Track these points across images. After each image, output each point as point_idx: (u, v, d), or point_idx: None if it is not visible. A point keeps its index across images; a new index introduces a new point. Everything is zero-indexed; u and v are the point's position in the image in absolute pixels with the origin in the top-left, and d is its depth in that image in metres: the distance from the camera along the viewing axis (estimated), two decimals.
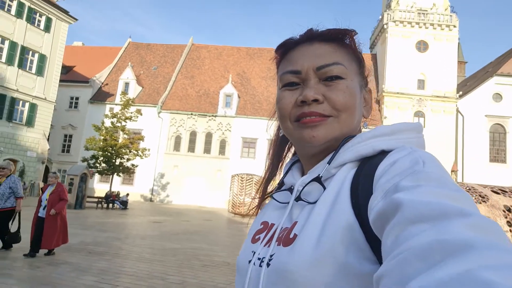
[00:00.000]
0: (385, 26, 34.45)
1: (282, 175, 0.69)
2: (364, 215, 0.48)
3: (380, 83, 34.60)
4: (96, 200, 21.99)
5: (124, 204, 22.36)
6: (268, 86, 34.47)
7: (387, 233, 0.39)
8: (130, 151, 26.72)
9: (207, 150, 33.53)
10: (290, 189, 0.62)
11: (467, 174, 30.98)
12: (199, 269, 6.47)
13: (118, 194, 23.71)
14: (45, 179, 31.47)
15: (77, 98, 35.63)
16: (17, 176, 25.39)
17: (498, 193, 3.68)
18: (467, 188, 3.81)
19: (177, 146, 33.89)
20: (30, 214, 13.99)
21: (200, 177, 32.86)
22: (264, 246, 0.58)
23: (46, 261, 6.28)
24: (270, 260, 0.55)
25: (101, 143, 25.51)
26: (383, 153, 0.54)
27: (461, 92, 32.85)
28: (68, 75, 35.83)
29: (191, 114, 33.60)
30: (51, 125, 29.38)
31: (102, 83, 36.55)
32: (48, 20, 27.82)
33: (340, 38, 0.62)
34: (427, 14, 33.93)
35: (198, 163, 33.03)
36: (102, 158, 25.70)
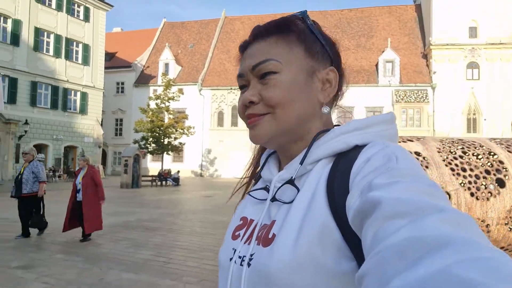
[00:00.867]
0: None
1: (259, 168, 0.69)
2: (341, 214, 0.48)
3: (426, 36, 32.21)
4: (150, 178, 23.27)
5: (176, 180, 23.45)
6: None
7: (365, 231, 0.39)
8: (176, 130, 27.65)
9: None
10: (266, 188, 0.62)
11: None
12: None
13: (169, 171, 24.86)
14: (103, 162, 33.79)
15: (122, 83, 37.14)
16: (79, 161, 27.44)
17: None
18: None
19: (220, 122, 34.49)
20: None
21: (245, 150, 33.38)
22: (245, 243, 0.59)
23: (108, 238, 6.85)
24: (250, 259, 0.55)
25: (149, 124, 26.60)
26: (357, 148, 0.53)
27: None
28: (112, 61, 37.28)
29: (231, 88, 33.72)
30: (102, 110, 31.14)
31: (144, 66, 37.65)
32: (86, 10, 28.83)
33: (280, 29, 0.61)
34: None
35: (242, 136, 33.45)
36: (151, 138, 26.88)
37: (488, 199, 1.71)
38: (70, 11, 27.58)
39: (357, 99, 30.53)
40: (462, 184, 1.73)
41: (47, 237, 6.91)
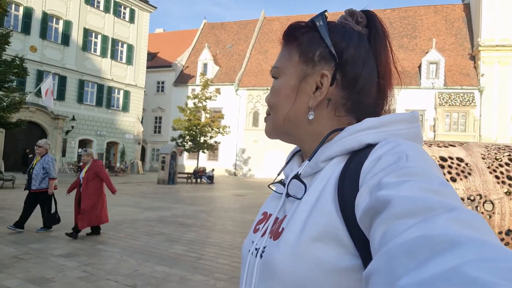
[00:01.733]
0: None
1: (284, 165, 0.71)
2: (349, 212, 0.49)
3: (474, 36, 30.53)
4: (185, 175, 23.83)
5: (210, 178, 23.85)
6: None
7: (374, 230, 0.39)
8: (212, 129, 28.13)
9: None
10: (282, 182, 0.66)
11: None
12: None
13: (204, 169, 25.33)
14: (142, 159, 35.05)
15: (162, 82, 38.33)
16: (120, 156, 28.70)
17: None
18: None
19: (255, 122, 34.66)
20: (128, 191, 15.73)
21: (279, 151, 33.32)
22: (261, 236, 0.62)
23: (144, 232, 7.09)
24: (263, 252, 0.58)
25: (186, 123, 27.26)
26: (370, 147, 0.53)
27: None
28: (153, 61, 38.57)
29: (267, 89, 33.76)
30: (143, 108, 32.32)
31: (183, 66, 38.63)
32: (132, 12, 30.04)
33: (287, 37, 0.65)
34: None
35: None
36: (188, 137, 27.54)
37: None
38: (117, 13, 28.86)
39: (398, 102, 29.51)
40: (508, 193, 1.62)
41: (87, 228, 7.25)
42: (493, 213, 1.68)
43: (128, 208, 10.26)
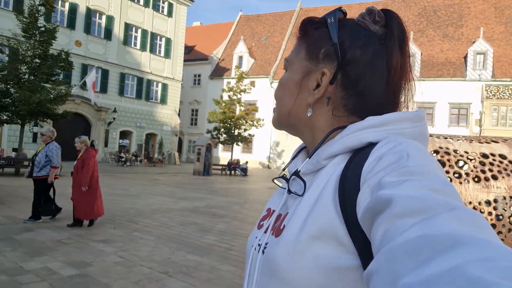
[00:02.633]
0: None
1: (289, 161, 0.71)
2: (350, 211, 0.49)
3: None
4: (220, 167, 24.20)
5: (244, 171, 24.07)
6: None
7: (375, 230, 0.39)
8: (246, 122, 28.29)
9: None
10: (284, 177, 0.66)
11: None
12: None
13: (238, 162, 25.59)
14: (179, 150, 36.02)
15: (199, 75, 38.96)
16: (158, 148, 29.64)
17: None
18: None
19: None
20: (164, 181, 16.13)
21: None
22: (264, 232, 0.62)
23: (178, 221, 7.29)
24: (265, 248, 0.59)
25: (221, 115, 27.60)
26: (371, 145, 0.54)
27: None
28: (190, 54, 39.26)
29: None
30: (180, 101, 33.09)
31: (219, 59, 39.01)
32: (170, 6, 30.66)
33: (300, 32, 0.66)
34: None
35: None
36: (222, 129, 27.90)
37: None
38: (156, 7, 29.59)
39: (440, 94, 28.15)
40: None
41: (125, 215, 7.57)
42: None
43: (164, 198, 10.59)
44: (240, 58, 36.55)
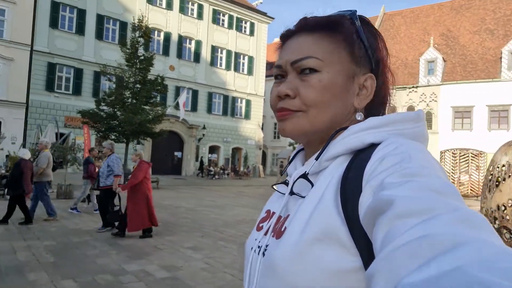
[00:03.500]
0: None
1: (287, 164, 0.71)
2: (351, 213, 0.48)
3: None
4: None
5: None
6: (483, 41, 28.50)
7: (377, 230, 0.39)
8: None
9: None
10: (286, 182, 0.65)
11: None
12: None
13: None
14: (263, 163, 36.88)
15: None
16: (243, 161, 30.78)
17: None
18: None
19: None
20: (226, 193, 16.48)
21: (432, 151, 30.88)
22: (264, 235, 0.62)
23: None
24: (265, 250, 0.58)
25: None
26: (373, 146, 0.53)
27: None
28: (272, 70, 40.26)
29: (404, 87, 31.69)
30: (263, 115, 34.02)
31: None
32: (252, 25, 32.06)
33: (327, 26, 0.60)
34: None
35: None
36: None
37: None
38: (239, 28, 31.23)
39: (478, 95, 25.15)
40: None
41: (212, 225, 8.01)
42: None
43: (248, 209, 10.95)
44: None
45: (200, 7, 28.80)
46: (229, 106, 30.64)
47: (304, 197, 0.57)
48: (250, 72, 31.86)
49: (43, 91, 21.82)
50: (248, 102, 31.73)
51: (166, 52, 27.24)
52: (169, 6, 27.25)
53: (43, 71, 21.89)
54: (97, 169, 8.37)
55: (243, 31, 31.67)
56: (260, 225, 0.66)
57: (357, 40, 0.60)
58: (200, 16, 28.82)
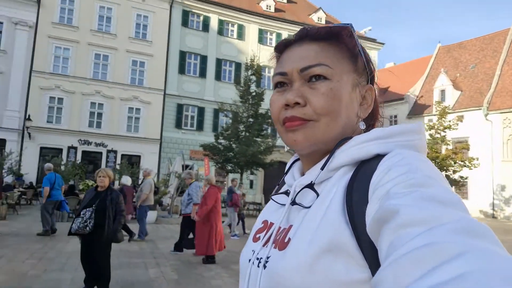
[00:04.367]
0: None
1: (284, 174, 0.71)
2: (359, 222, 0.48)
3: None
4: None
5: None
6: None
7: (382, 239, 0.39)
8: (455, 162, 24.79)
9: None
10: (287, 192, 0.63)
11: None
12: None
13: None
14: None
15: (395, 116, 37.39)
16: None
17: None
18: None
19: None
20: None
21: None
22: (263, 246, 0.60)
23: None
24: (266, 262, 0.57)
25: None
26: (378, 157, 0.53)
27: None
28: (385, 95, 38.48)
29: None
30: None
31: (417, 96, 36.58)
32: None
33: (330, 36, 0.61)
34: None
35: None
36: None
37: None
38: None
39: None
40: None
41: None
42: None
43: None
44: (442, 92, 33.18)
45: None
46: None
47: (307, 207, 0.56)
48: None
49: (173, 128, 25.10)
50: None
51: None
52: None
53: (173, 111, 25.31)
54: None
55: None
56: (257, 236, 0.64)
57: (359, 52, 0.63)
58: None
